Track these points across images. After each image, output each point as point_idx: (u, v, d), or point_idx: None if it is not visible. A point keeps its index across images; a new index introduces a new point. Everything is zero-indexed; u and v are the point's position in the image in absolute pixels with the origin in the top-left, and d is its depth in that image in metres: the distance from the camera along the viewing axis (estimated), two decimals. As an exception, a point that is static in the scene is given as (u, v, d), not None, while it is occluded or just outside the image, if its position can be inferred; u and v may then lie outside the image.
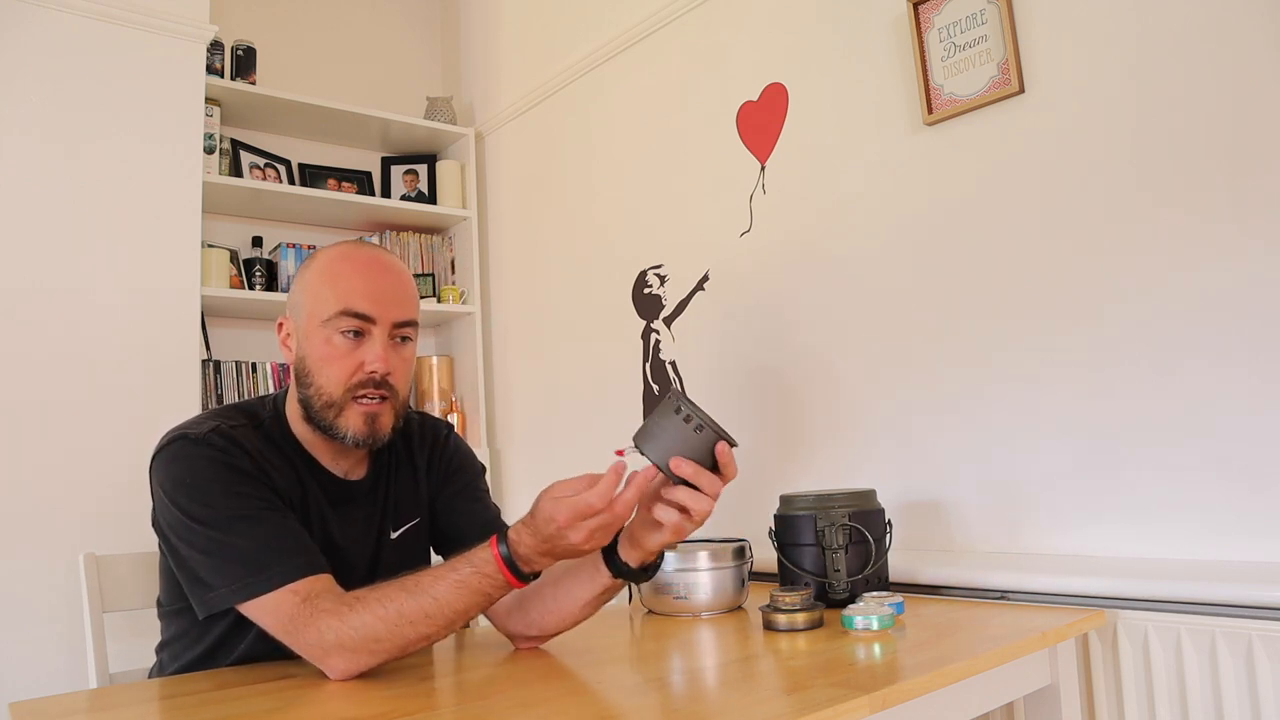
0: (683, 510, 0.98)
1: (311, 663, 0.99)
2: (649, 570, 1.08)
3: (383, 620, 0.96)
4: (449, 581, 0.97)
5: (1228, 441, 1.28)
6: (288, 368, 1.23)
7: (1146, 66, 1.38)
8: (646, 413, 2.28)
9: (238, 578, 1.01)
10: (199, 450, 1.07)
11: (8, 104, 2.09)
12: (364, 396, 1.12)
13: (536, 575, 1.00)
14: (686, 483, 0.97)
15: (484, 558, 0.98)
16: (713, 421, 0.96)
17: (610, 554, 1.07)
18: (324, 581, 1.02)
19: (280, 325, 1.20)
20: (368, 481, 1.24)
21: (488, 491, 1.37)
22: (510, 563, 0.97)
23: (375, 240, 2.92)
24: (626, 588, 1.49)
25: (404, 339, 1.17)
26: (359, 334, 1.12)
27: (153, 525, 1.12)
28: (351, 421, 1.13)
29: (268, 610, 1.00)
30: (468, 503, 1.32)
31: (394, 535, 1.26)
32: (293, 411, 1.19)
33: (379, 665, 0.99)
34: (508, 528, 1.00)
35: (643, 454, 0.97)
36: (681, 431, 0.96)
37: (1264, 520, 1.23)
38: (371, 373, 1.12)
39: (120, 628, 1.42)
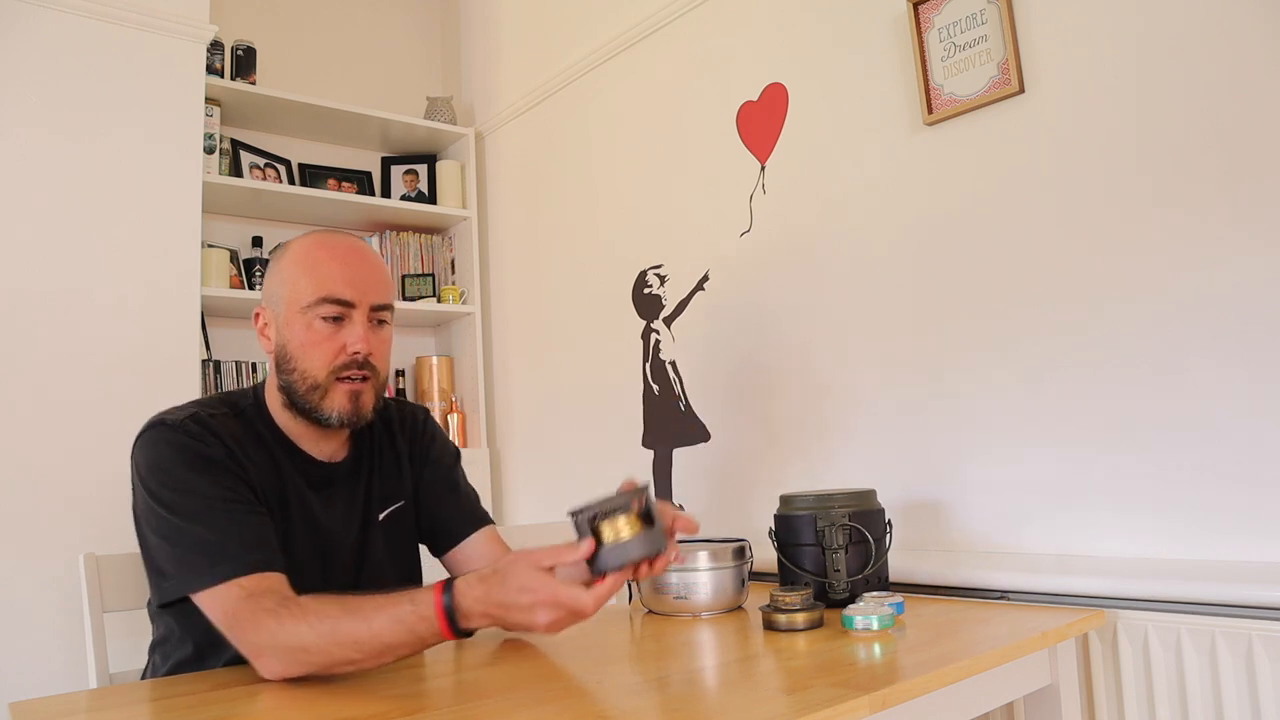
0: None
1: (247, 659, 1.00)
2: None
3: (315, 633, 0.95)
4: (387, 615, 0.95)
5: (1228, 441, 1.27)
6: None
7: (1147, 66, 1.38)
8: (646, 413, 2.28)
9: (190, 568, 1.03)
10: (173, 436, 1.10)
11: (8, 104, 2.09)
12: (347, 377, 1.16)
13: (471, 632, 0.98)
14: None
15: (426, 600, 0.95)
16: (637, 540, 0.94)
17: None
18: (272, 580, 1.03)
19: (257, 316, 1.22)
20: (349, 464, 1.26)
21: (464, 475, 1.40)
22: (450, 614, 0.95)
23: (375, 240, 2.92)
24: (627, 587, 1.49)
25: (381, 322, 1.20)
26: (339, 319, 1.16)
27: (132, 513, 1.14)
28: (336, 401, 1.16)
29: (215, 603, 1.01)
30: (449, 492, 1.35)
31: (380, 518, 1.28)
32: (273, 399, 1.21)
33: (308, 674, 0.98)
34: (455, 578, 0.98)
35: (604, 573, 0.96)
36: (621, 550, 0.95)
37: (1264, 520, 1.23)
38: (355, 354, 1.15)
39: (120, 628, 1.41)
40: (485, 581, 0.96)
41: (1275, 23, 1.25)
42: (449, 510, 1.34)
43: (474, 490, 1.40)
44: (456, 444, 2.81)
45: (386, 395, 1.31)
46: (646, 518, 0.93)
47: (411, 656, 1.00)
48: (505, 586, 0.94)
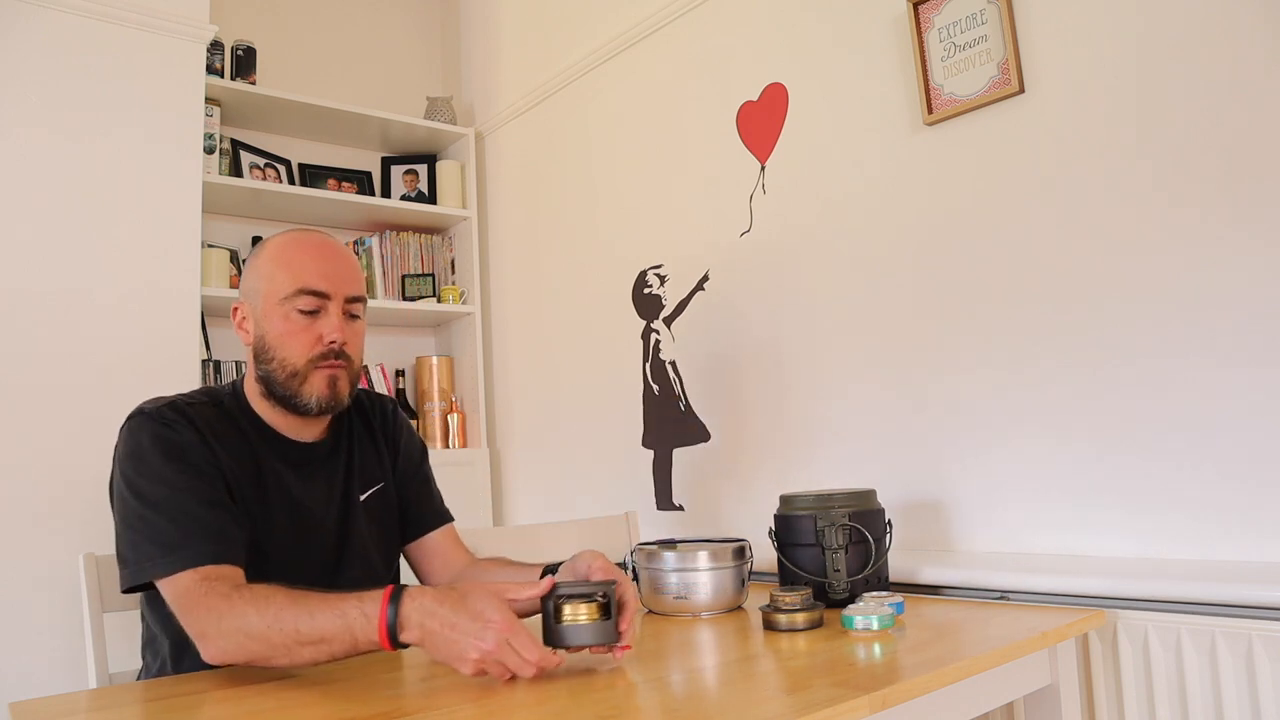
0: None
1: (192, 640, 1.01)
2: None
3: (260, 618, 0.97)
4: (333, 609, 0.95)
5: (1228, 441, 1.27)
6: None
7: (1147, 66, 1.38)
8: (646, 413, 2.28)
9: (148, 556, 1.05)
10: (148, 425, 1.13)
11: (8, 104, 2.09)
12: (324, 365, 1.19)
13: (406, 645, 0.96)
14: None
15: (373, 599, 0.95)
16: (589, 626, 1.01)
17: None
18: (227, 570, 1.05)
19: (235, 310, 1.25)
20: (327, 444, 1.29)
21: (431, 469, 1.45)
22: (391, 617, 0.94)
23: (375, 240, 2.92)
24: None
25: (354, 316, 1.24)
26: (315, 312, 1.19)
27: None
28: (315, 386, 1.19)
29: (170, 588, 1.04)
30: (421, 485, 1.40)
31: (362, 498, 1.30)
32: (251, 390, 1.24)
33: (249, 662, 0.99)
34: (404, 586, 0.97)
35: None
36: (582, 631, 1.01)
37: (1264, 520, 1.23)
38: (330, 343, 1.19)
39: (120, 628, 1.42)
40: (440, 596, 0.95)
41: (1275, 23, 1.25)
42: (420, 505, 1.39)
43: (438, 486, 1.45)
44: (457, 443, 2.85)
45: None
46: (605, 611, 1.00)
47: (348, 657, 0.99)
48: (463, 605, 0.93)
